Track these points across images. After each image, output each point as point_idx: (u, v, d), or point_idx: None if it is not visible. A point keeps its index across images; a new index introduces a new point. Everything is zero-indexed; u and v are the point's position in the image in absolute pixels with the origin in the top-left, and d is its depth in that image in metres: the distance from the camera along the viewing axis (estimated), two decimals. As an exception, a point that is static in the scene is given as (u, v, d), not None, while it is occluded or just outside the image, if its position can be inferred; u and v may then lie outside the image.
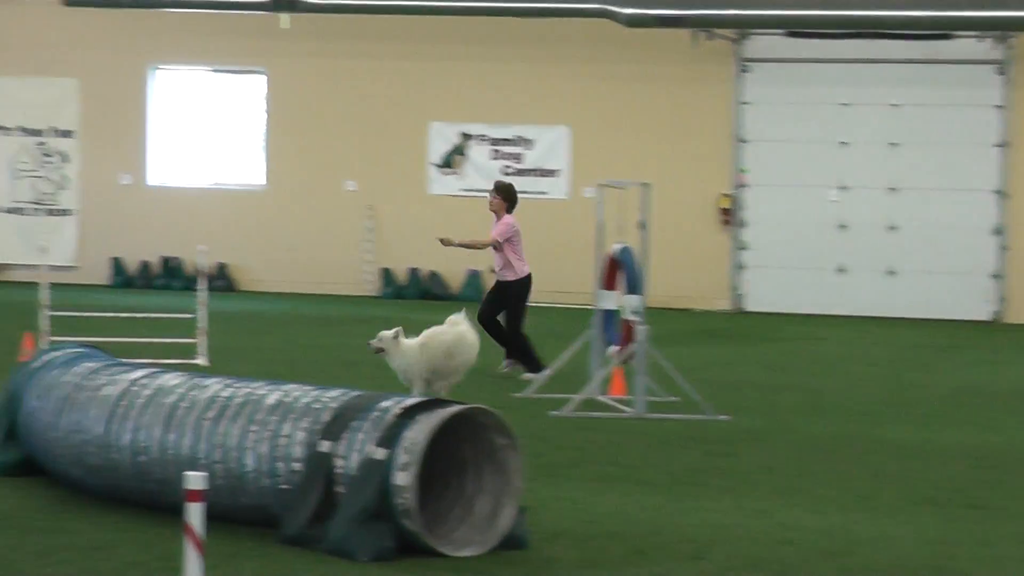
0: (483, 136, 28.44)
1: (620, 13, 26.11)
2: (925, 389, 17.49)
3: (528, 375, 16.78)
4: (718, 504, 10.49)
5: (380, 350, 14.52)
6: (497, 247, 17.17)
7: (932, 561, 9.04)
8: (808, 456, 12.65)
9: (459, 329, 14.85)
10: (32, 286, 21.36)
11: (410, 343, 14.53)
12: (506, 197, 17.44)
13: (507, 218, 17.27)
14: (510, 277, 17.23)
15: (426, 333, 14.67)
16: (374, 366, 17.79)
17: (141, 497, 9.76)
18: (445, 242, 17.58)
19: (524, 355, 17.18)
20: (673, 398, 15.09)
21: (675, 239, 26.34)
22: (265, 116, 29.32)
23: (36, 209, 29.57)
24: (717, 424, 14.14)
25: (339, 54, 28.79)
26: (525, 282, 17.32)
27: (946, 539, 9.61)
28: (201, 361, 17.22)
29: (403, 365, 14.50)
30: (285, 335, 21.31)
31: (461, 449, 9.22)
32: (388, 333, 14.47)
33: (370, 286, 28.70)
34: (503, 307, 17.35)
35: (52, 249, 28.60)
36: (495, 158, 28.40)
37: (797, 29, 27.16)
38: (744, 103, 27.83)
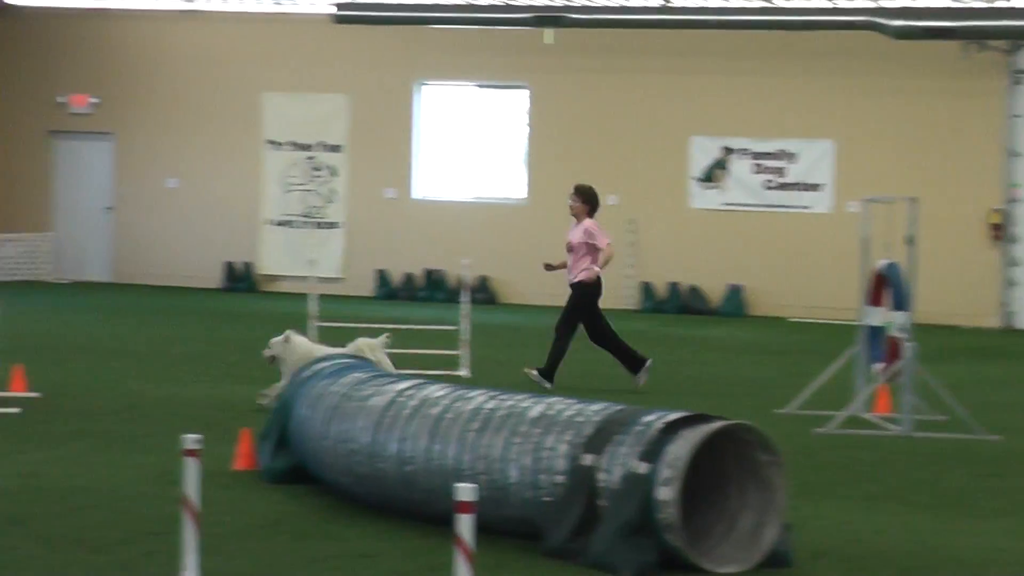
0: (745, 150, 28.24)
1: (888, 25, 25.66)
2: None
3: (537, 376, 16.43)
4: (988, 526, 10.21)
5: (272, 358, 14.18)
6: (601, 249, 16.73)
7: None
8: (1083, 479, 12.24)
9: (374, 354, 14.22)
10: (300, 297, 21.90)
11: (302, 341, 14.13)
12: (587, 200, 17.07)
13: (592, 222, 16.90)
14: (583, 278, 16.79)
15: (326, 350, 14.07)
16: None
17: (407, 506, 9.89)
18: (588, 272, 17.06)
19: (553, 359, 16.68)
20: (940, 417, 14.75)
21: (943, 255, 25.77)
22: (527, 130, 29.57)
23: (305, 222, 30.29)
24: (986, 444, 13.76)
25: (601, 69, 28.89)
26: (596, 286, 16.88)
27: None
28: (464, 373, 17.41)
29: (294, 364, 13.53)
30: (545, 348, 21.39)
31: (724, 465, 9.14)
32: (278, 339, 14.15)
33: (629, 300, 28.71)
34: (591, 312, 16.86)
35: (320, 261, 29.26)
36: (757, 172, 28.18)
37: (1072, 39, 26.36)
38: (1017, 116, 27.10)
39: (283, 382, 13.65)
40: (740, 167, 28.28)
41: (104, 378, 16.50)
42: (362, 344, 14.53)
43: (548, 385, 16.28)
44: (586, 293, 16.75)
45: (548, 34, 27.94)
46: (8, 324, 15.08)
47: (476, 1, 28.06)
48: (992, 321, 27.01)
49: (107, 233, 31.33)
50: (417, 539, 9.37)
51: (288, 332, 14.34)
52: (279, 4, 29.75)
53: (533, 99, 29.41)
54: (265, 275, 30.41)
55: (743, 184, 28.15)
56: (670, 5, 27.23)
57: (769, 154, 28.13)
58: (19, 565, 8.58)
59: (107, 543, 9.10)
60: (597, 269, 16.68)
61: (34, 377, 15.35)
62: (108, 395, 15.36)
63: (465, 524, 6.38)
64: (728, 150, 28.34)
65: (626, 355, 16.93)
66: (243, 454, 11.46)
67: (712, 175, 28.44)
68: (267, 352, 14.37)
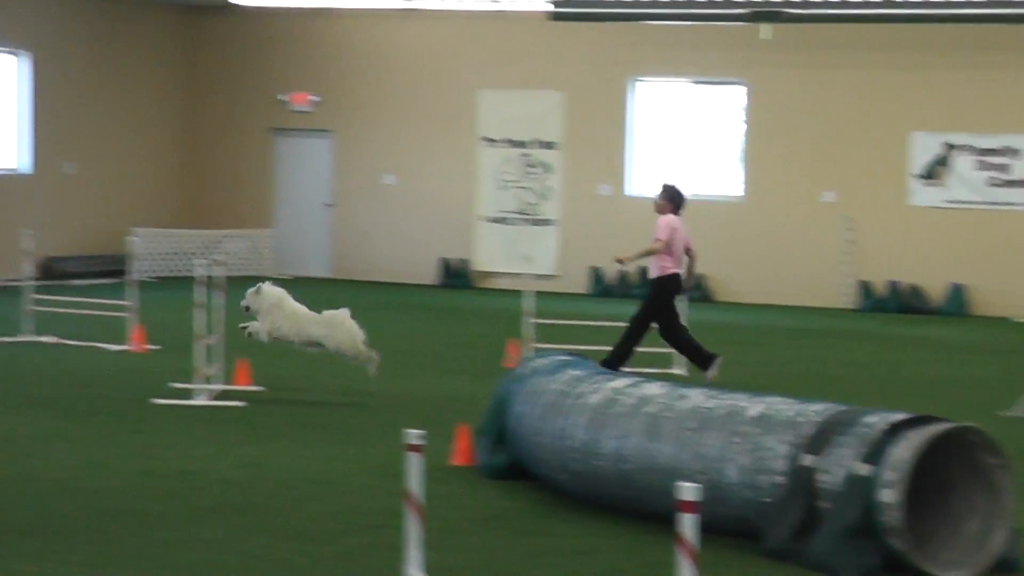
0: (968, 146, 27.64)
1: (1117, 16, 24.93)
2: None
3: (713, 374, 16.05)
4: None
5: (247, 308, 15.05)
6: (664, 248, 16.45)
7: None
8: None
9: (337, 327, 15.07)
10: (515, 294, 22.00)
11: (271, 291, 14.97)
12: (669, 199, 16.97)
13: (666, 219, 16.65)
14: (655, 274, 16.53)
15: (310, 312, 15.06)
16: (856, 381, 17.53)
17: (623, 503, 9.88)
18: (621, 261, 17.07)
19: (692, 351, 16.35)
20: None
21: None
22: (744, 127, 29.33)
23: (519, 219, 30.44)
24: None
25: (819, 64, 28.52)
26: (670, 280, 16.49)
27: None
28: (680, 371, 17.34)
29: (266, 311, 14.93)
30: (762, 347, 21.24)
31: (948, 467, 8.95)
32: (251, 290, 15.04)
33: (847, 299, 28.30)
34: (667, 310, 16.56)
35: (535, 258, 29.37)
36: (980, 169, 27.55)
37: None
38: None
39: (259, 324, 14.94)
40: (963, 164, 27.69)
41: (324, 372, 16.78)
42: (332, 317, 15.25)
43: (624, 368, 16.04)
44: (662, 290, 16.56)
45: (765, 29, 27.64)
46: (233, 319, 15.43)
47: (692, -3, 27.92)
48: None
49: (326, 229, 31.88)
50: (633, 536, 9.35)
51: (260, 284, 15.21)
52: (496, 2, 29.94)
53: (750, 95, 29.14)
54: (480, 272, 30.64)
55: (966, 181, 27.54)
56: (890, -1, 26.79)
57: (993, 150, 27.50)
58: (247, 554, 8.77)
59: (330, 534, 9.25)
60: (630, 257, 16.79)
61: (258, 371, 15.68)
62: (328, 389, 15.62)
63: (688, 523, 6.34)
64: (950, 146, 27.76)
65: (696, 352, 16.54)
66: (461, 450, 11.56)
67: (933, 172, 27.88)
68: (243, 303, 15.22)
